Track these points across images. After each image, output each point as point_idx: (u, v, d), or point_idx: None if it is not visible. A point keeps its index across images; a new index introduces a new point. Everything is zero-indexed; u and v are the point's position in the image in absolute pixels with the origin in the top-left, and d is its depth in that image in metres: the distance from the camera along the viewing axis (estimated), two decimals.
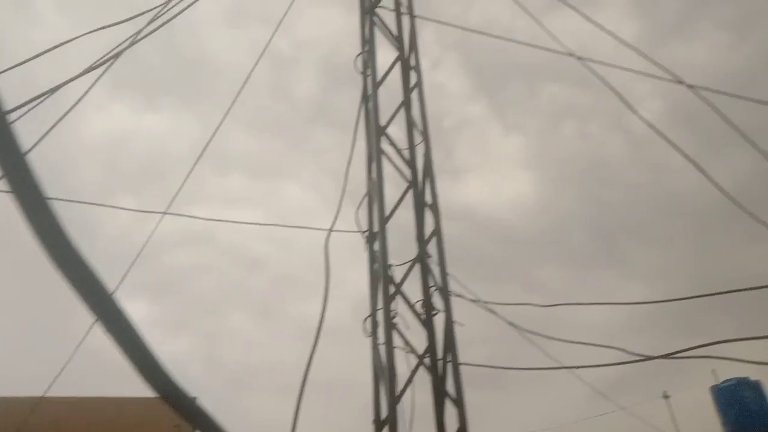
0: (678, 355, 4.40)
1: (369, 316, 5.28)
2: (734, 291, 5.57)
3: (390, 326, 5.02)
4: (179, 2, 6.98)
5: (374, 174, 5.84)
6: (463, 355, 6.02)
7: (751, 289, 5.43)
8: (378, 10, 6.55)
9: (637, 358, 4.65)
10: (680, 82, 6.46)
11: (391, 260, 5.98)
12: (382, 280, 5.42)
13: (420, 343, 5.82)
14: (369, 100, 5.99)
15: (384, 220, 5.55)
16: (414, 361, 5.20)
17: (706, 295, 5.21)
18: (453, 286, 6.00)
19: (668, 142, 7.25)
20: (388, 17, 6.63)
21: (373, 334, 5.25)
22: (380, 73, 6.32)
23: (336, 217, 5.76)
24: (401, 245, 6.67)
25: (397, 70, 6.42)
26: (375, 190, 5.72)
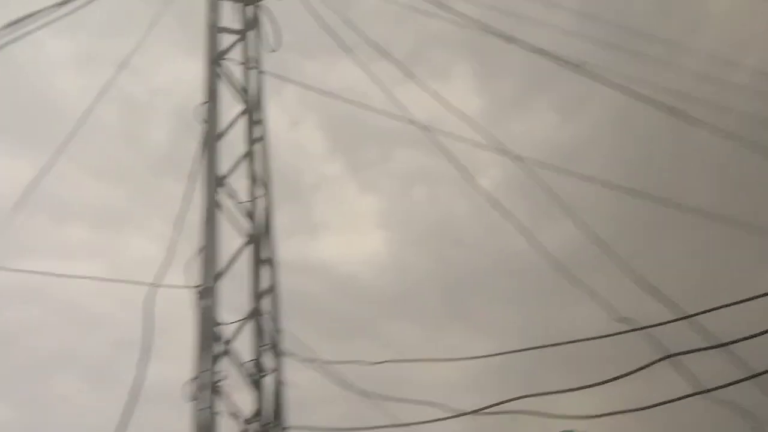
0: (489, 410, 4.56)
1: (192, 378, 4.95)
2: (558, 344, 5.98)
3: (212, 389, 4.73)
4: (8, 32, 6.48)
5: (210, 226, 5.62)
6: (311, 417, 5.81)
7: (575, 342, 5.86)
8: (228, 62, 6.47)
9: (452, 414, 4.78)
10: (509, 154, 6.96)
11: (228, 317, 5.72)
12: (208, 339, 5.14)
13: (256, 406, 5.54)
14: (208, 150, 5.82)
15: (215, 275, 5.32)
16: (239, 426, 4.92)
17: (530, 349, 5.51)
18: (294, 345, 5.83)
19: (502, 212, 7.75)
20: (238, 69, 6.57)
21: (197, 398, 4.90)
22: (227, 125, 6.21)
23: (165, 272, 5.44)
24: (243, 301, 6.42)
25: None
26: (210, 244, 5.48)
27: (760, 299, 4.55)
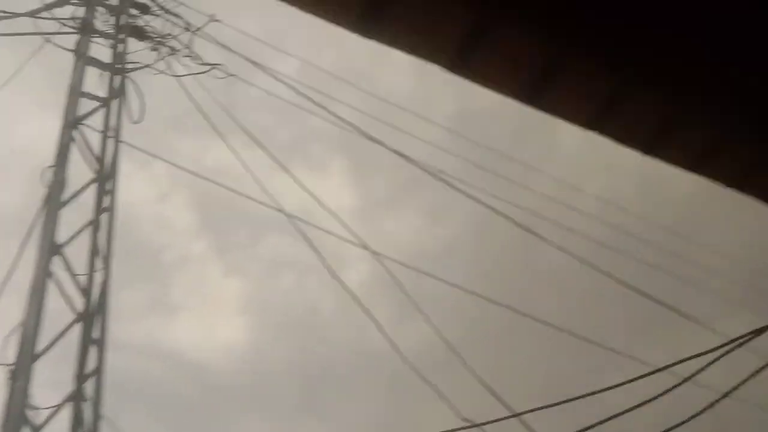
0: None
1: None
2: None
3: None
4: None
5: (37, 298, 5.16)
6: None
7: None
8: (87, 128, 6.23)
9: None
10: (369, 250, 7.12)
11: (49, 400, 5.18)
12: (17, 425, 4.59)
13: None
14: (47, 215, 5.44)
15: (33, 354, 4.83)
16: None
17: None
18: None
19: (362, 308, 7.82)
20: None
21: None
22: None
23: None
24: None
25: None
26: (31, 318, 5.01)
27: (580, 402, 4.94)
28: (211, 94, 6.98)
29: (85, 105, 6.14)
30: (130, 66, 6.38)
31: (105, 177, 5.85)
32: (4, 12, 6.14)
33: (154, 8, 6.70)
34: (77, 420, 5.15)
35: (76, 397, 5.19)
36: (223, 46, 6.82)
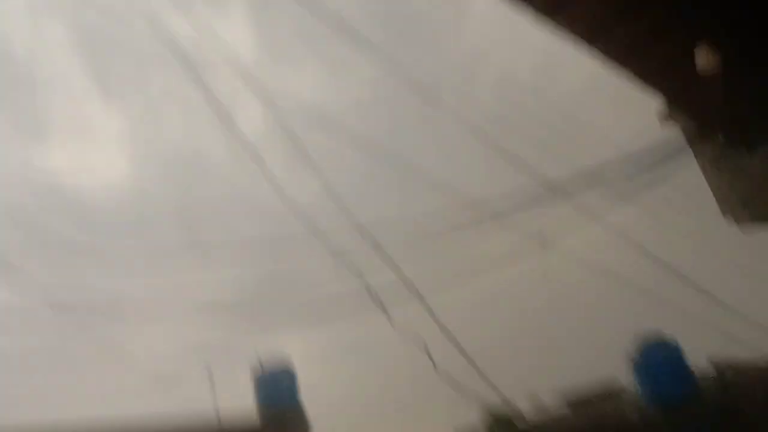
0: None
1: None
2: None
3: None
4: None
5: None
6: None
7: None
8: None
9: None
10: (262, 98, 6.85)
11: None
12: None
13: None
14: None
15: None
16: None
17: None
18: None
19: (253, 157, 7.65)
20: None
21: None
22: None
23: None
24: None
25: None
26: None
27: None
28: None
29: None
30: None
31: None
32: None
33: None
34: None
35: None
36: None
